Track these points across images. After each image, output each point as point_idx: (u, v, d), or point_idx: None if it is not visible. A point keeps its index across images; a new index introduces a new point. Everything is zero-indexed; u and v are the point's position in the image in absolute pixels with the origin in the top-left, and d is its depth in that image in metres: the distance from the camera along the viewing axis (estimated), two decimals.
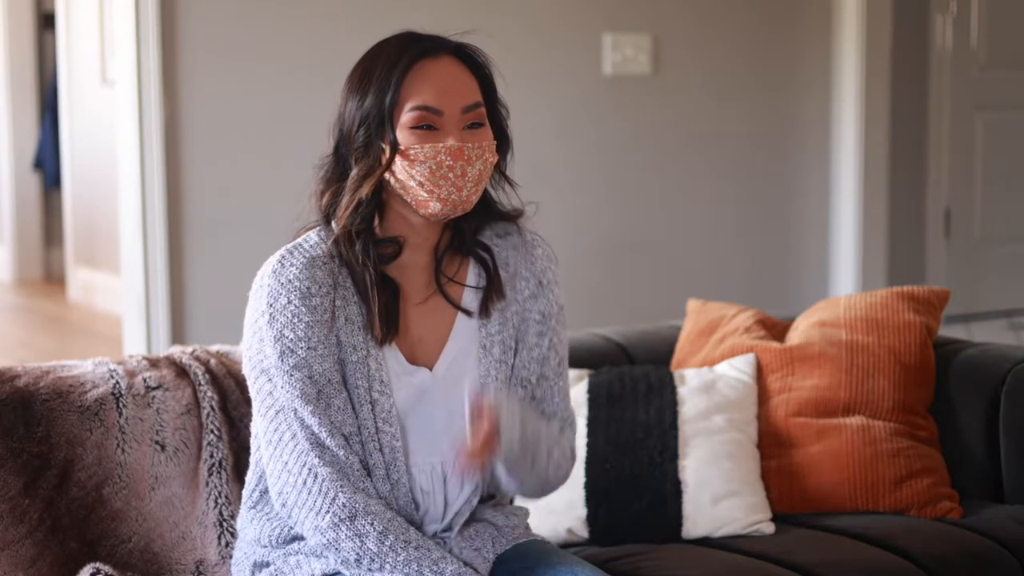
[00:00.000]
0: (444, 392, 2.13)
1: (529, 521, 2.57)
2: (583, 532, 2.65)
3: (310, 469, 2.05)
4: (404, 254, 2.12)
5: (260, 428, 2.11)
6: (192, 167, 4.10)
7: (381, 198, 2.09)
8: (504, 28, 4.54)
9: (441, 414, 2.13)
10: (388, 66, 2.06)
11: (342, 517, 2.03)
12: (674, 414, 2.73)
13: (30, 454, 2.35)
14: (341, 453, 2.05)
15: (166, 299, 4.07)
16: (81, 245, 7.50)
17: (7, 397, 2.36)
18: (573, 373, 2.84)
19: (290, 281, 2.06)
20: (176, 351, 2.58)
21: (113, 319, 6.41)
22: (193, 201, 4.11)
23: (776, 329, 3.01)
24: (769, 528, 2.66)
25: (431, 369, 2.13)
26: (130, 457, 2.41)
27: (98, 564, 2.30)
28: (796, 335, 2.94)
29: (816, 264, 5.12)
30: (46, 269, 8.30)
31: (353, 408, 2.08)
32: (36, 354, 6.09)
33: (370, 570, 2.03)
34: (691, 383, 2.80)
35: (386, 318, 2.08)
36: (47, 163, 7.96)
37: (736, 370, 2.85)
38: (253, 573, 2.19)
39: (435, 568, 2.02)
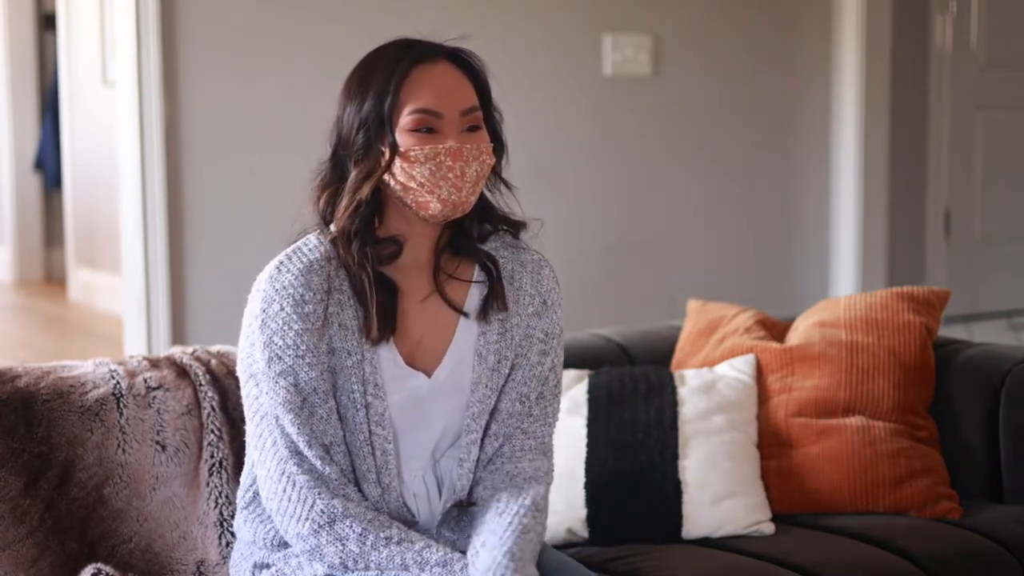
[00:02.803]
0: (440, 400, 2.13)
1: None
2: (583, 532, 2.65)
3: (288, 477, 2.06)
4: (404, 255, 2.13)
5: (248, 431, 2.13)
6: (192, 167, 4.11)
7: (380, 200, 2.10)
8: (504, 28, 4.54)
9: (436, 423, 2.14)
10: (386, 71, 2.08)
11: (321, 523, 2.04)
12: (674, 414, 2.73)
13: (31, 454, 2.35)
14: (318, 463, 2.06)
15: (166, 299, 4.07)
16: (82, 245, 7.50)
17: (8, 397, 2.36)
18: (573, 373, 2.85)
19: (284, 288, 2.07)
20: (177, 351, 2.58)
21: (114, 319, 6.41)
22: (193, 201, 4.11)
23: (776, 329, 3.01)
24: (769, 528, 2.66)
25: (429, 375, 2.13)
26: (131, 457, 2.41)
27: (99, 564, 2.30)
28: (796, 335, 2.94)
29: (816, 264, 5.13)
30: (47, 269, 8.31)
31: (341, 415, 2.09)
32: (37, 354, 6.09)
33: (354, 573, 2.04)
34: (691, 383, 2.80)
35: (383, 317, 2.09)
36: (48, 163, 7.96)
37: (736, 370, 2.85)
38: (253, 574, 2.20)
39: (419, 559, 2.03)
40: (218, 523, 2.42)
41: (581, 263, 4.71)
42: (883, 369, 2.84)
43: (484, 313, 2.15)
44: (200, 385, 2.49)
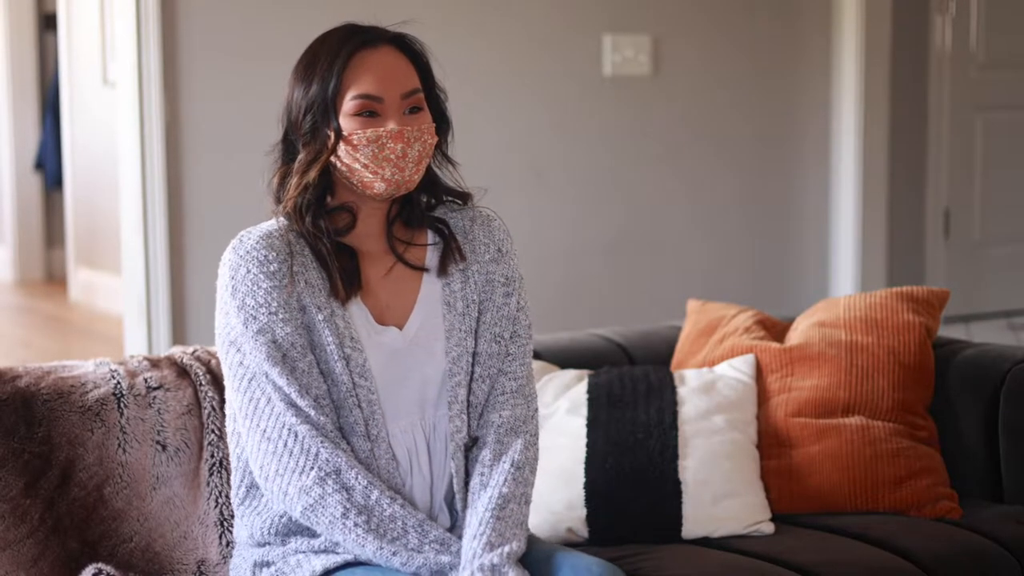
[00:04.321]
0: (417, 353, 2.20)
1: (529, 521, 2.57)
2: (583, 532, 2.65)
3: (289, 428, 2.10)
4: (359, 225, 2.20)
5: (236, 405, 2.16)
6: (193, 167, 4.11)
7: (330, 179, 2.19)
8: (504, 28, 4.54)
9: (414, 377, 2.19)
10: (330, 57, 2.18)
11: (327, 471, 2.08)
12: (674, 414, 2.73)
13: (31, 454, 2.35)
14: (313, 413, 2.11)
15: (167, 299, 4.07)
16: (82, 245, 7.50)
17: (8, 397, 2.36)
18: (573, 373, 2.85)
19: (248, 252, 2.16)
20: (177, 351, 2.58)
21: (114, 319, 6.41)
22: (194, 201, 4.11)
23: (776, 329, 3.01)
24: (769, 528, 2.67)
25: (401, 329, 2.20)
26: (131, 457, 2.41)
27: (100, 564, 2.30)
28: (796, 335, 2.94)
29: (816, 264, 5.13)
30: (47, 269, 8.31)
31: (322, 370, 2.14)
32: (37, 354, 6.09)
33: (355, 524, 2.07)
34: (691, 383, 2.80)
35: (347, 278, 2.16)
36: (48, 163, 7.96)
37: (736, 370, 2.85)
38: (254, 573, 2.20)
39: (420, 529, 2.09)
40: (218, 523, 2.42)
41: (581, 263, 4.71)
42: (883, 369, 2.84)
43: (444, 267, 2.24)
44: (200, 385, 2.49)
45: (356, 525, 2.07)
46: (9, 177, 8.17)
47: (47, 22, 8.07)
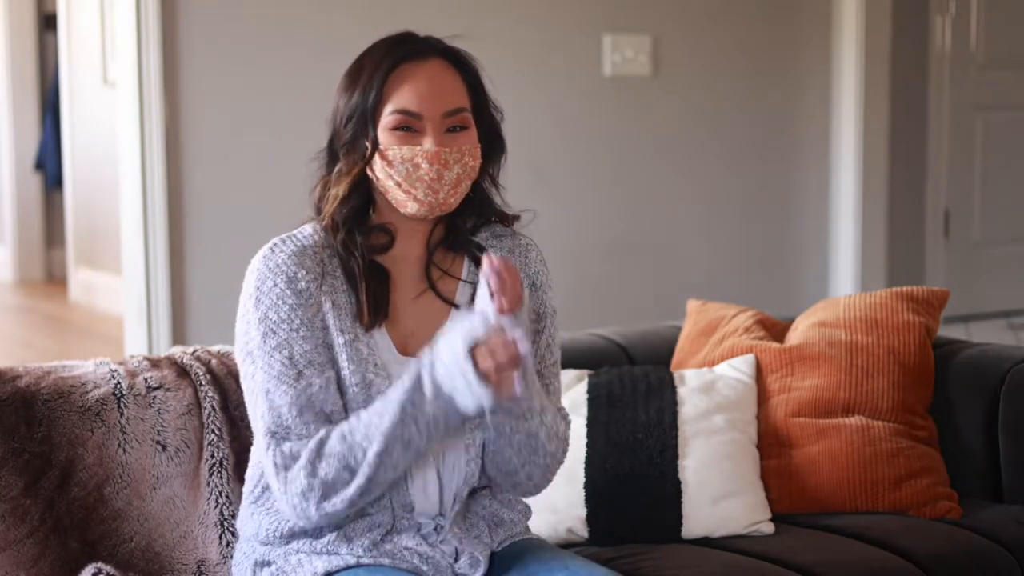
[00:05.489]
0: None
1: (529, 522, 2.57)
2: (583, 532, 2.65)
3: (276, 451, 2.06)
4: (396, 246, 2.15)
5: (249, 412, 2.14)
6: (193, 168, 4.11)
7: (370, 192, 2.13)
8: (504, 28, 4.55)
9: None
10: (375, 65, 2.10)
11: (310, 457, 2.02)
12: (674, 414, 2.73)
13: (31, 454, 2.35)
14: (303, 431, 2.04)
15: (167, 299, 4.07)
16: (82, 245, 7.50)
17: (8, 397, 2.36)
18: (573, 373, 2.85)
19: (278, 266, 2.09)
20: (177, 351, 2.58)
21: (114, 319, 6.41)
22: (194, 201, 4.12)
23: (776, 329, 3.01)
24: (769, 528, 2.67)
25: None
26: (131, 457, 2.41)
27: (100, 564, 2.30)
28: (796, 335, 2.94)
29: (816, 264, 5.13)
30: (47, 269, 8.31)
31: (341, 389, 2.09)
32: (37, 354, 6.10)
33: (368, 465, 2.00)
34: (691, 383, 2.80)
35: (374, 304, 2.10)
36: (48, 164, 7.97)
37: (736, 370, 2.85)
38: (255, 572, 2.20)
39: (385, 398, 2.01)
40: (219, 523, 2.42)
41: (581, 263, 4.71)
42: (883, 369, 2.84)
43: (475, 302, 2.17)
44: (201, 385, 2.49)
45: (370, 465, 2.00)
46: (9, 177, 8.17)
47: (47, 22, 8.07)
